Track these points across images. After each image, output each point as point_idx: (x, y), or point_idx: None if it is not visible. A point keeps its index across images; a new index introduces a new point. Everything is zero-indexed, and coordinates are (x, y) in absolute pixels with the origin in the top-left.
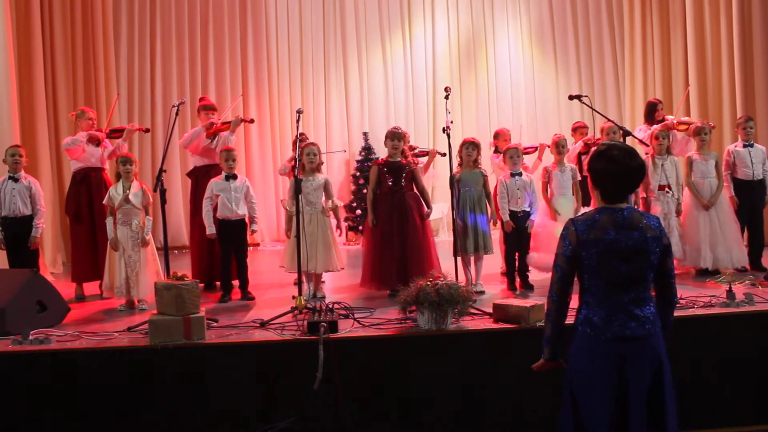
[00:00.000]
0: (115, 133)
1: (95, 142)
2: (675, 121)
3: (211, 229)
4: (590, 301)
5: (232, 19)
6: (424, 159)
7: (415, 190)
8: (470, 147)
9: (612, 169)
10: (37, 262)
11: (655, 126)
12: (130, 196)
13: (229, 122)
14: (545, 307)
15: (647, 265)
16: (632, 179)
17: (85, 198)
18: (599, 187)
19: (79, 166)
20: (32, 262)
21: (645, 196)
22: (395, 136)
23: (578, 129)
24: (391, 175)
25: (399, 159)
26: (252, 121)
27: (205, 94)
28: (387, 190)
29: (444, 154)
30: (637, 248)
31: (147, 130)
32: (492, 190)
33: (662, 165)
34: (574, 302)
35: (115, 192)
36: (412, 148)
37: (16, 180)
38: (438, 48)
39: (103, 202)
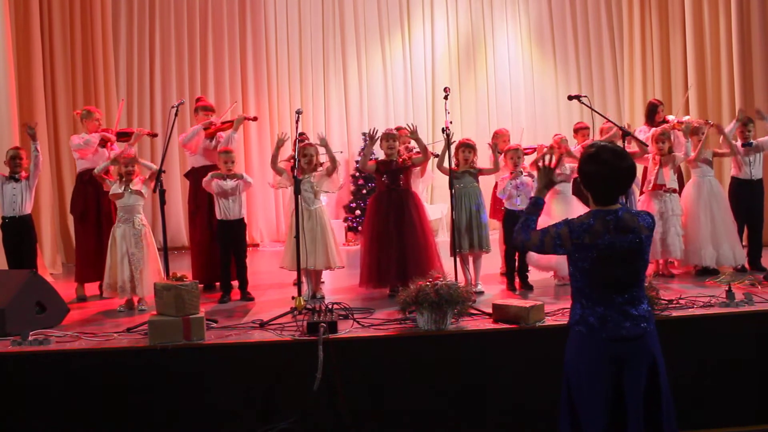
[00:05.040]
0: (123, 137)
1: (105, 143)
2: (676, 122)
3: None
4: (584, 301)
5: (231, 19)
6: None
7: (413, 189)
8: (466, 149)
9: (602, 171)
10: (36, 263)
11: (654, 128)
12: (134, 195)
13: (230, 121)
14: (518, 238)
15: (641, 265)
16: (623, 181)
17: (92, 198)
18: (590, 190)
19: (86, 166)
20: (31, 263)
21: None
22: (389, 137)
23: (579, 130)
24: (388, 175)
25: (395, 159)
26: (255, 118)
27: (205, 94)
28: (384, 189)
29: (437, 155)
30: (632, 250)
31: (155, 135)
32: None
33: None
34: (568, 302)
35: (118, 188)
36: (408, 149)
37: (17, 180)
38: (437, 48)
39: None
